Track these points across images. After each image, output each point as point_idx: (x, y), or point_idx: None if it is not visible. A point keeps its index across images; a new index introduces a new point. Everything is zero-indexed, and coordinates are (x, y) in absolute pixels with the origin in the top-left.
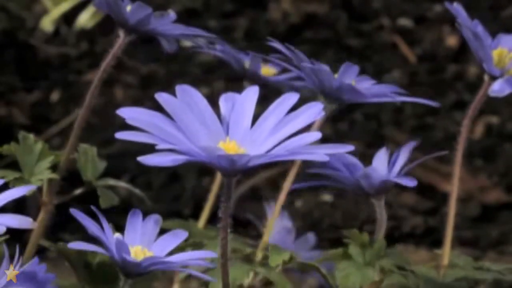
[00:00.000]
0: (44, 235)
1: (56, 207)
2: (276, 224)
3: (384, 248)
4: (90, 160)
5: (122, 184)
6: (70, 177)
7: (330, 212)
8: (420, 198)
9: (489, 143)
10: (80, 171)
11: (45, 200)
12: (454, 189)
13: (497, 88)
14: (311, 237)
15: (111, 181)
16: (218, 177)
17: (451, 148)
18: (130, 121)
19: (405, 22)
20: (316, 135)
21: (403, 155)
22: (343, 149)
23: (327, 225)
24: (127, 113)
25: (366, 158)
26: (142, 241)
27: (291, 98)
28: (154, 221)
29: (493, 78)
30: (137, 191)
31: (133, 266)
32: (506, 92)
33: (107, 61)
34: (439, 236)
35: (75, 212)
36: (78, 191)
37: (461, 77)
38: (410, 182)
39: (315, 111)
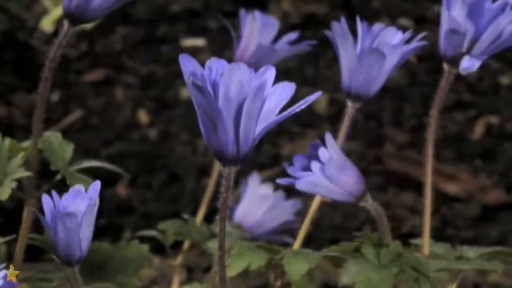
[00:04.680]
0: (33, 231)
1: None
2: (251, 191)
3: (400, 249)
4: (56, 146)
5: (96, 163)
6: (46, 166)
7: (330, 212)
8: (420, 198)
9: (489, 143)
10: (49, 162)
11: (26, 197)
12: (428, 179)
13: (467, 65)
14: (296, 203)
15: (84, 163)
16: (215, 174)
17: (451, 148)
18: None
19: (405, 22)
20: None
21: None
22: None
23: (327, 225)
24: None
25: (366, 158)
26: None
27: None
28: None
29: (450, 61)
30: (113, 167)
31: None
32: (477, 66)
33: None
34: (440, 236)
35: None
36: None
37: (461, 77)
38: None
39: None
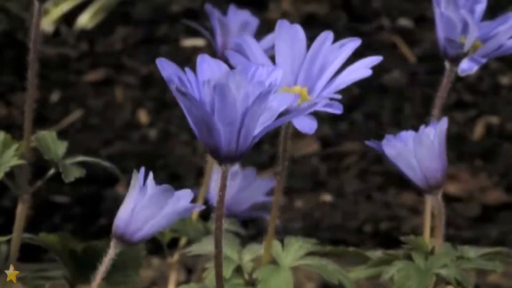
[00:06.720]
0: (29, 229)
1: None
2: (218, 169)
3: (449, 260)
4: (50, 143)
5: (89, 159)
6: (39, 166)
7: (330, 212)
8: (420, 198)
9: (489, 143)
10: (42, 154)
11: (19, 193)
12: None
13: (466, 67)
14: (269, 181)
15: (78, 158)
16: (209, 171)
17: (451, 148)
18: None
19: (405, 22)
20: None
21: None
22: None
23: (327, 225)
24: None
25: (366, 158)
26: None
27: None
28: None
29: (452, 60)
30: (110, 166)
31: None
32: (475, 69)
33: None
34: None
35: None
36: (49, 173)
37: (461, 77)
38: None
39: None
